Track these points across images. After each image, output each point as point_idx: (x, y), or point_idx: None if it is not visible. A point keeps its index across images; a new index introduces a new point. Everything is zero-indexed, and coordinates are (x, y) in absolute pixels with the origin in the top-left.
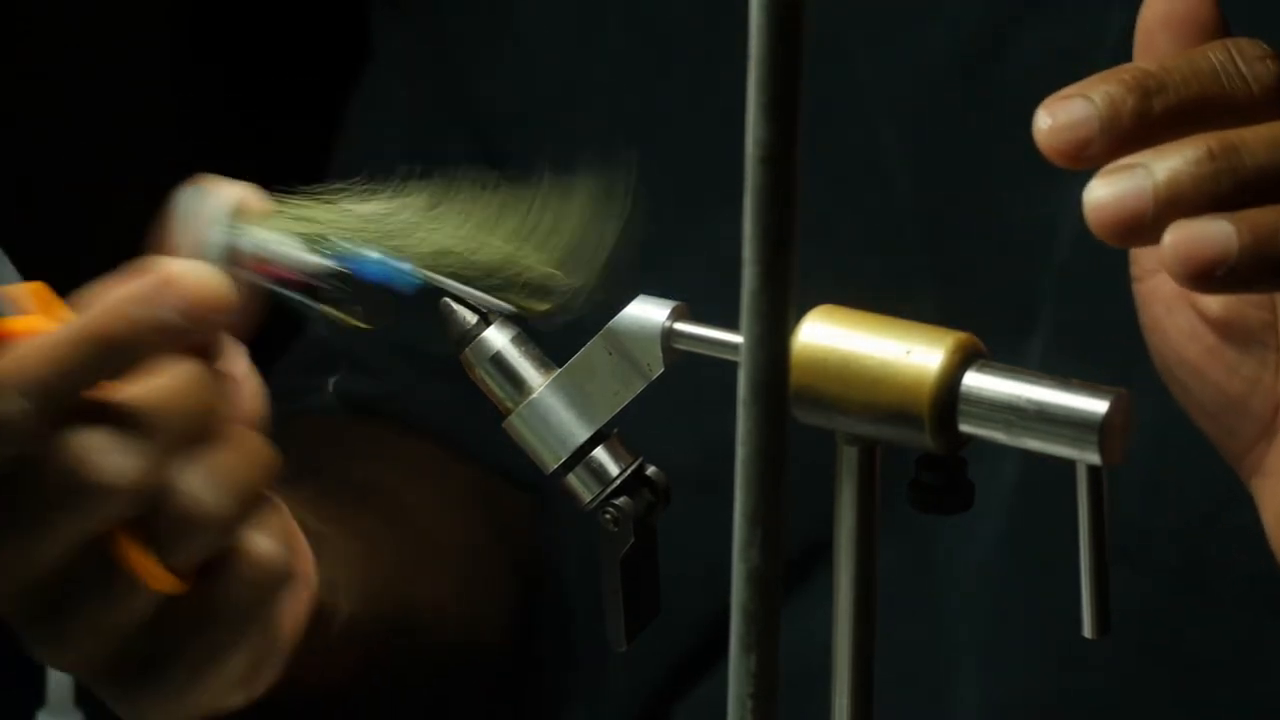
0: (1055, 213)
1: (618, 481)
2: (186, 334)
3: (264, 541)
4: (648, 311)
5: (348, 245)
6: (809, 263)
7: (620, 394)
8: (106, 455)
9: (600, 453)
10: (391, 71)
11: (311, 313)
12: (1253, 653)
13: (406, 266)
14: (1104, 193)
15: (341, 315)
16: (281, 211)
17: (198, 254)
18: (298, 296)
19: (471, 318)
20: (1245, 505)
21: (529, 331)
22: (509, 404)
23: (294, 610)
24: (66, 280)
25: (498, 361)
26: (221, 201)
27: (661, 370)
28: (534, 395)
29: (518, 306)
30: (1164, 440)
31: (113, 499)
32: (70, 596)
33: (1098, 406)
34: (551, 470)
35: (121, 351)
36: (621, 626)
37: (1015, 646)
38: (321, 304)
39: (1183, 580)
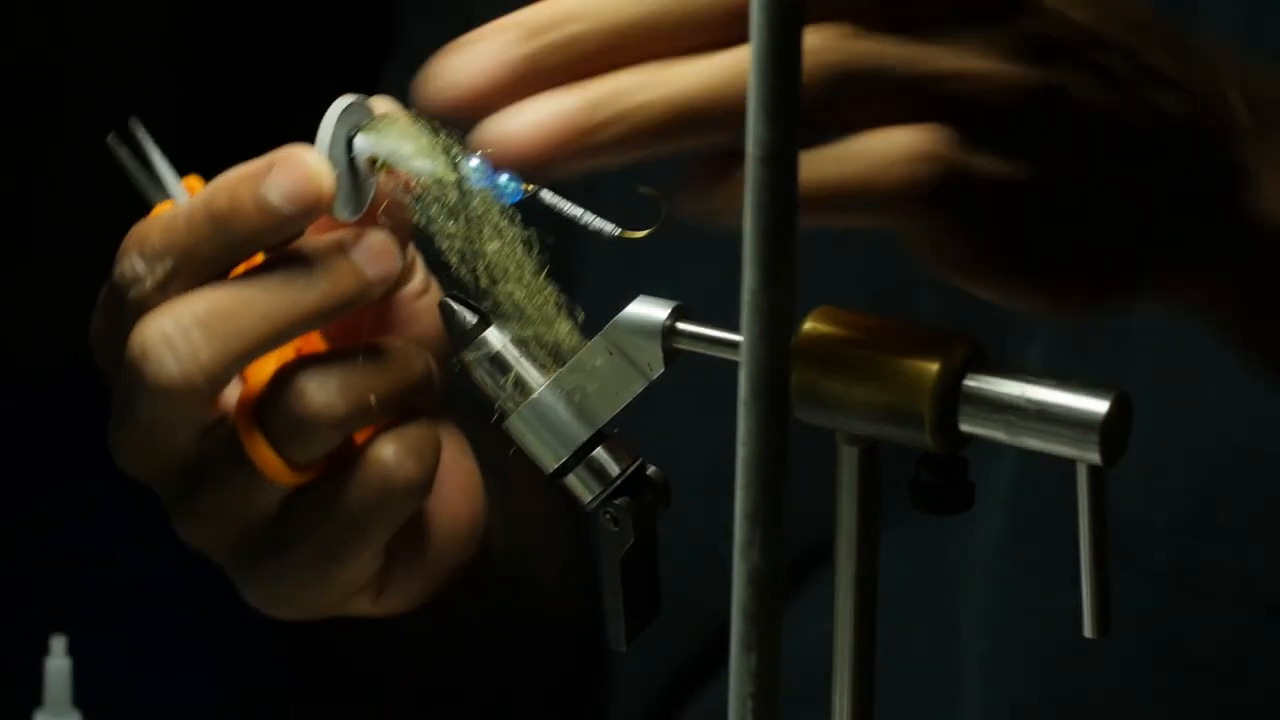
0: None
1: (618, 481)
2: (287, 219)
3: (389, 450)
4: (648, 311)
5: (455, 155)
6: (809, 263)
7: (620, 394)
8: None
9: (600, 453)
10: (417, 66)
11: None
12: (1248, 652)
13: (504, 177)
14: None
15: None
16: (401, 121)
17: (321, 151)
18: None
19: (471, 318)
20: (1235, 505)
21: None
22: (509, 404)
23: (447, 534)
24: (67, 278)
25: (498, 361)
26: (351, 105)
27: (662, 370)
28: (534, 395)
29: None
30: (1155, 442)
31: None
32: (203, 480)
33: (1098, 406)
34: (552, 470)
35: (227, 227)
36: (622, 627)
37: (1018, 648)
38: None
39: (1177, 580)
